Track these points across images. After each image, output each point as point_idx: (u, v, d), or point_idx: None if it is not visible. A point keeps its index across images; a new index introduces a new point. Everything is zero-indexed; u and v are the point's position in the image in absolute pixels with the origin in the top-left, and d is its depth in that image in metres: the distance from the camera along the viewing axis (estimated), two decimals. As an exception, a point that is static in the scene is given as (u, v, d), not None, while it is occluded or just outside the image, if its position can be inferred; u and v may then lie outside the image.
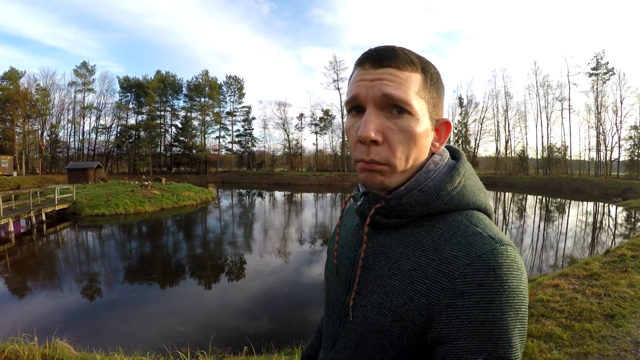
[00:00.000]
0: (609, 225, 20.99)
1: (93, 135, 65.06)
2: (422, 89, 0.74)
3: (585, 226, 20.56)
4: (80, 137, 63.30)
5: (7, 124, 53.05)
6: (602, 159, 53.15)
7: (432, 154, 0.81)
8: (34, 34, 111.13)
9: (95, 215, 20.77)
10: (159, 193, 25.58)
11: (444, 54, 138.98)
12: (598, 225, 21.25)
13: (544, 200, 36.23)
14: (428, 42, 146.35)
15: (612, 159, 52.97)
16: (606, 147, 52.63)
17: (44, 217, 18.47)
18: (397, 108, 0.72)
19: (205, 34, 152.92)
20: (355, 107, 0.76)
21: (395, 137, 0.73)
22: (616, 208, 27.51)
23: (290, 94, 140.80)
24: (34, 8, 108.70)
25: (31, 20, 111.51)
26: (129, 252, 14.13)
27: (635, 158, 49.47)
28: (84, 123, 63.44)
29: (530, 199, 36.85)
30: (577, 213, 26.51)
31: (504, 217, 24.16)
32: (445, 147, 0.86)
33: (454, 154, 0.86)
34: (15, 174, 44.91)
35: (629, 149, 50.97)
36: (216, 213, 25.45)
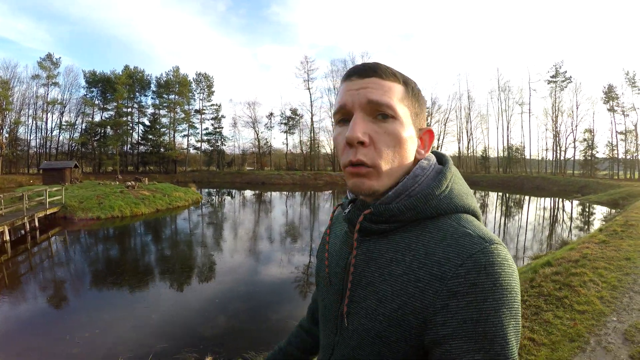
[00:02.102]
0: (582, 214, 25.45)
1: (56, 132, 61.65)
2: (405, 97, 0.79)
3: (564, 216, 25.01)
4: (44, 134, 59.98)
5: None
6: (557, 158, 58.38)
7: (417, 160, 0.83)
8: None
9: (89, 219, 19.73)
10: (149, 194, 24.72)
11: (402, 54, 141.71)
12: (573, 215, 25.28)
13: (513, 197, 38.35)
14: (386, 43, 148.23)
15: (566, 159, 58.28)
16: (560, 148, 57.96)
17: (36, 223, 17.11)
18: (382, 114, 0.76)
19: (161, 28, 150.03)
20: (343, 117, 0.80)
21: (381, 139, 0.76)
22: (581, 203, 30.59)
23: (247, 91, 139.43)
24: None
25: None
26: (158, 258, 13.58)
27: (589, 158, 54.66)
28: (47, 119, 60.17)
29: (498, 196, 38.89)
30: (552, 207, 30.07)
31: (490, 214, 25.04)
32: (432, 152, 0.89)
33: (441, 159, 0.89)
34: (-29, 174, 41.83)
35: (583, 150, 55.89)
36: (215, 212, 25.15)
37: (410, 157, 0.80)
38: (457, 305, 0.65)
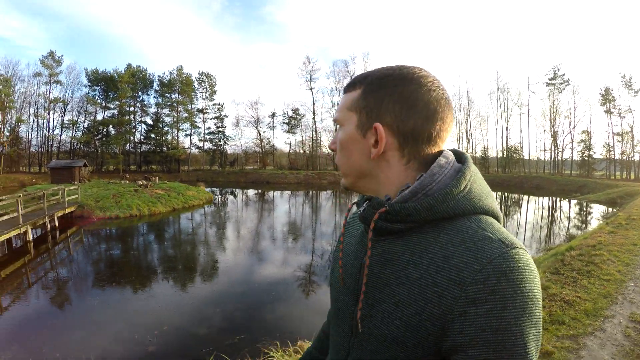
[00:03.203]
0: (584, 212, 26.86)
1: (57, 131, 61.02)
2: (357, 101, 0.82)
3: (570, 213, 26.48)
4: (46, 132, 59.40)
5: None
6: (555, 158, 59.42)
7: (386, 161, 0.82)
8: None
9: (108, 218, 19.83)
10: (163, 193, 24.83)
11: (398, 55, 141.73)
12: (577, 212, 27.01)
13: (514, 196, 38.90)
14: (381, 45, 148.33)
15: (564, 159, 59.40)
16: (557, 148, 59.01)
17: (56, 222, 17.18)
18: (339, 125, 0.87)
19: (157, 27, 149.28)
20: None
21: (337, 146, 0.87)
22: (581, 202, 31.75)
23: (243, 90, 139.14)
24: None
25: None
26: (200, 256, 13.63)
27: (586, 159, 55.80)
28: (50, 118, 59.52)
29: (500, 196, 39.14)
30: (556, 206, 31.15)
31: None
32: (451, 150, 0.88)
33: (460, 157, 0.87)
34: (-26, 173, 41.47)
35: (580, 150, 57.06)
36: (235, 211, 25.23)
37: (357, 158, 0.83)
38: (476, 313, 0.64)
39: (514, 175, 56.09)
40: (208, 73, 67.64)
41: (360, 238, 0.91)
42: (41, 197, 17.68)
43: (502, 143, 64.55)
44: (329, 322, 1.13)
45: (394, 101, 0.77)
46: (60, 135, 61.42)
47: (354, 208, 1.05)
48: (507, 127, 64.12)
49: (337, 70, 71.45)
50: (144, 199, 22.50)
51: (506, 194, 41.37)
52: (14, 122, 55.76)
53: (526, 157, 64.64)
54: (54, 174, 33.59)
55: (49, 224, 16.42)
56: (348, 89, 0.86)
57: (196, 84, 67.00)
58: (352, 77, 0.91)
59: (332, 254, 1.27)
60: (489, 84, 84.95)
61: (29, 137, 59.05)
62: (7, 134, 54.12)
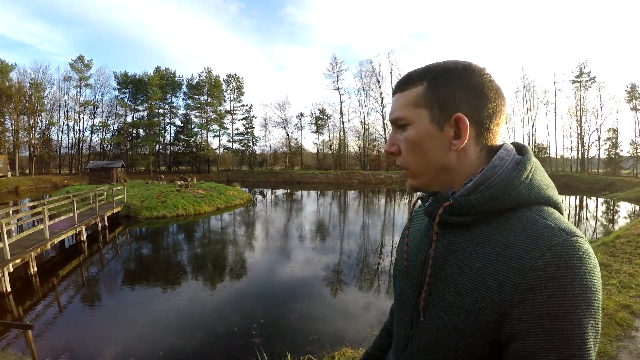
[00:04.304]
0: (616, 210, 26.65)
1: (87, 133, 62.50)
2: (423, 96, 0.80)
3: (608, 211, 26.52)
4: (77, 135, 60.83)
5: (-1, 119, 50.02)
6: (582, 157, 58.69)
7: (465, 151, 0.81)
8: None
9: (155, 217, 19.60)
10: (205, 193, 24.64)
11: (419, 53, 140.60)
12: (609, 209, 27.19)
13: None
14: (402, 42, 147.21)
15: (590, 157, 58.84)
16: (583, 147, 58.35)
17: (106, 222, 17.09)
18: (400, 125, 0.84)
19: (175, 30, 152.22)
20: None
21: (404, 146, 0.84)
22: (611, 200, 31.36)
23: (267, 92, 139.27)
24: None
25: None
26: (267, 249, 13.48)
27: (612, 156, 55.13)
28: (81, 120, 60.99)
29: None
30: (594, 203, 31.09)
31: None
32: (512, 143, 0.87)
33: (520, 149, 0.86)
34: (9, 174, 42.28)
35: (607, 148, 56.30)
36: (276, 209, 25.17)
37: (435, 153, 0.81)
38: (535, 300, 0.63)
39: (542, 174, 55.68)
40: (235, 75, 68.22)
41: (425, 232, 0.92)
42: (93, 198, 17.76)
43: (529, 142, 63.35)
44: (392, 316, 1.20)
45: (466, 93, 0.78)
46: (91, 137, 62.86)
47: (419, 203, 1.05)
48: (533, 126, 63.26)
49: (363, 70, 71.18)
50: (187, 198, 22.29)
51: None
52: (44, 125, 57.26)
53: (552, 155, 63.85)
54: (93, 175, 34.01)
55: (99, 224, 16.41)
56: (404, 86, 0.84)
57: (224, 86, 67.53)
58: (405, 75, 0.85)
59: (397, 249, 1.05)
60: (515, 82, 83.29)
61: (60, 139, 60.52)
62: (38, 136, 55.43)
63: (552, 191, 0.80)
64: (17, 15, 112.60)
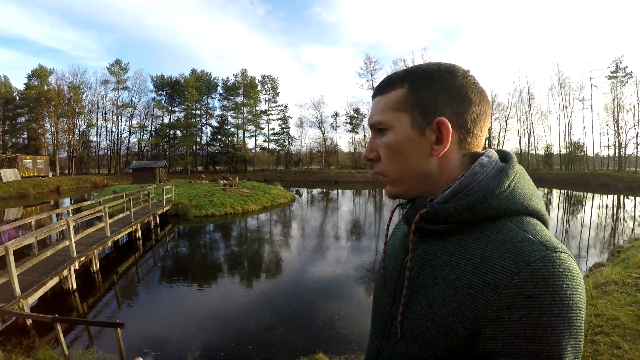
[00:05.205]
0: None
1: (125, 135, 64.23)
2: (404, 99, 0.76)
3: None
4: (116, 136, 62.48)
5: (40, 122, 51.89)
6: (619, 154, 56.22)
7: (447, 157, 0.77)
8: (33, 35, 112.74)
9: (203, 216, 19.47)
10: (250, 192, 24.49)
11: (452, 50, 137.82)
12: None
13: (586, 195, 35.54)
14: (434, 39, 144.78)
15: (627, 155, 56.50)
16: (620, 144, 55.82)
17: (157, 221, 17.04)
18: (379, 129, 0.80)
19: (204, 33, 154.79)
20: None
21: (383, 152, 0.79)
22: None
23: (296, 91, 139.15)
24: (33, 9, 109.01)
25: (30, 21, 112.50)
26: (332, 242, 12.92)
27: None
28: (119, 122, 62.60)
29: (578, 194, 36.21)
30: (631, 203, 28.65)
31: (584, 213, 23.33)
32: (496, 150, 0.83)
33: (504, 156, 0.81)
34: (50, 175, 43.51)
35: None
36: (323, 208, 25.07)
37: (416, 159, 0.76)
38: (510, 318, 0.59)
39: (579, 173, 52.77)
40: (270, 75, 68.29)
41: (402, 240, 0.89)
42: (144, 197, 18.12)
43: (565, 139, 61.37)
44: None
45: (448, 95, 0.74)
46: (129, 138, 64.36)
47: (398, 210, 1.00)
48: (569, 123, 60.86)
49: (397, 68, 69.93)
50: (234, 197, 22.14)
51: (571, 192, 38.05)
52: (83, 127, 59.31)
53: (589, 153, 61.09)
54: (136, 175, 34.43)
55: (152, 222, 16.44)
56: (385, 89, 0.80)
57: (259, 87, 67.76)
58: (386, 77, 0.82)
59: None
60: (550, 78, 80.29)
61: (98, 140, 62.24)
62: (77, 138, 57.34)
63: (537, 201, 0.74)
64: (49, 24, 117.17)
